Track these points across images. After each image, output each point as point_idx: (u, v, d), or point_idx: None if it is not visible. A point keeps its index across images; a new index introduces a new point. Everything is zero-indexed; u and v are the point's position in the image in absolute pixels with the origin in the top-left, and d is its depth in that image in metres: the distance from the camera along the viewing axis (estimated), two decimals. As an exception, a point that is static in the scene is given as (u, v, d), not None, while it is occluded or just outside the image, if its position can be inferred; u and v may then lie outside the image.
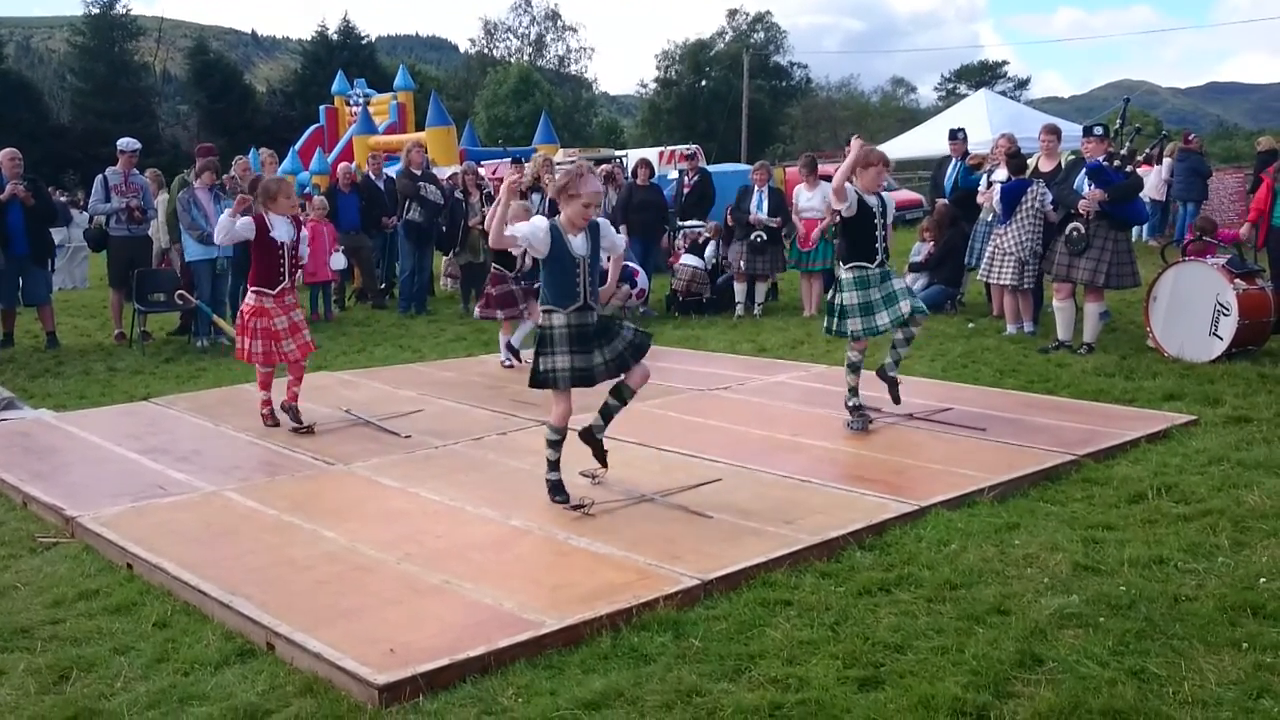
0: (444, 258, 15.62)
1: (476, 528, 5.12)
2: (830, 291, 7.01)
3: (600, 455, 5.60)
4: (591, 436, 5.55)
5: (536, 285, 9.31)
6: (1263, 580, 4.21)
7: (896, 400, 6.95)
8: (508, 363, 9.37)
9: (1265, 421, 6.71)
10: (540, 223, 5.27)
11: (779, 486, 5.63)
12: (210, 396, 8.40)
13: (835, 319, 6.74)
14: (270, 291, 6.97)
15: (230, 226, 6.85)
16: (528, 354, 9.44)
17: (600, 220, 5.44)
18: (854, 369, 6.83)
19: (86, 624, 4.20)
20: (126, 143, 11.85)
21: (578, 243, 5.24)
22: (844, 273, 6.72)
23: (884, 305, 6.62)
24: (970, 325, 10.93)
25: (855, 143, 6.77)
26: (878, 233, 6.63)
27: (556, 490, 5.40)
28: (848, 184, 6.52)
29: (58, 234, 14.30)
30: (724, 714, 3.34)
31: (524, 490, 5.64)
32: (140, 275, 11.21)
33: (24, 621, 4.23)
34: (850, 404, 6.86)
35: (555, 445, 5.40)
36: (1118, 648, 3.68)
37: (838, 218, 6.73)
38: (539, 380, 5.33)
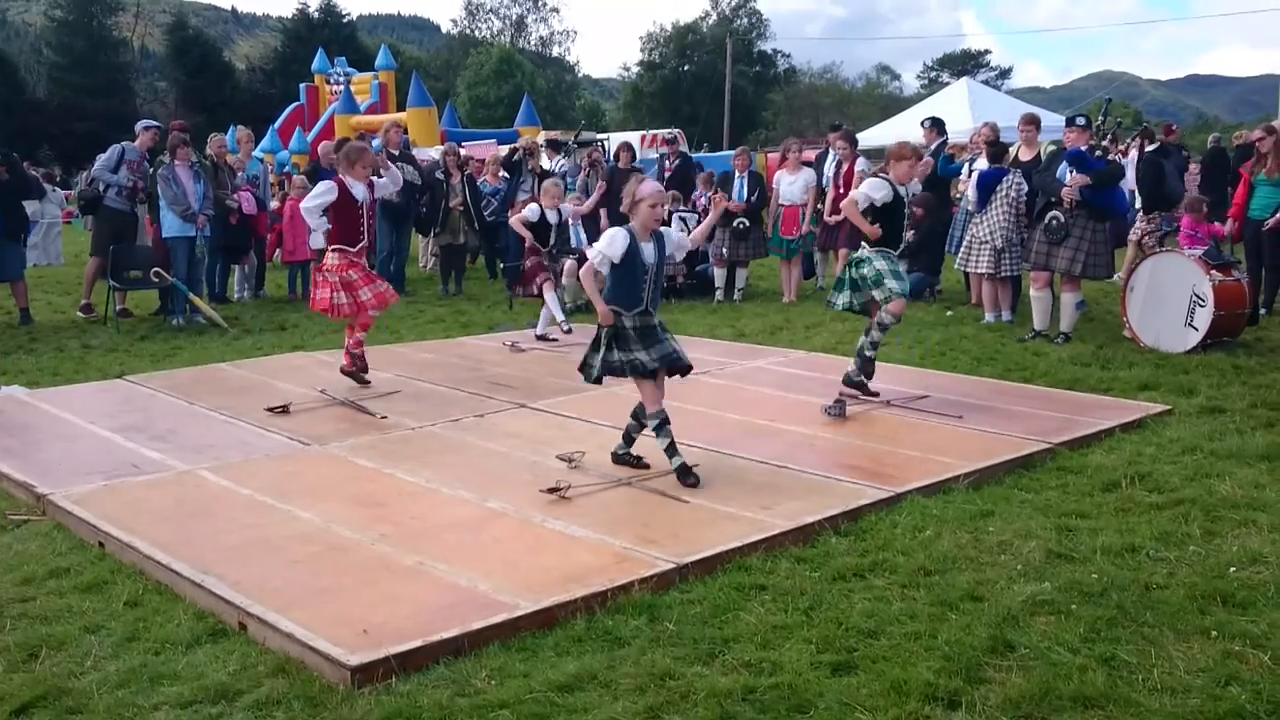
0: (422, 240, 15.55)
1: (452, 509, 5.10)
2: (850, 267, 7.07)
3: (635, 461, 5.69)
4: (617, 457, 5.73)
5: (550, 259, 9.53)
6: (1233, 569, 4.25)
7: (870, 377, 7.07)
8: (548, 333, 9.65)
9: (1238, 412, 6.77)
10: (617, 232, 5.47)
11: (756, 472, 5.63)
12: (185, 375, 8.34)
13: (865, 288, 6.85)
14: (351, 249, 7.37)
15: (322, 193, 7.25)
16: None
17: (663, 230, 5.59)
18: (884, 329, 6.94)
19: (57, 602, 4.17)
20: (149, 122, 12.02)
21: (648, 250, 5.45)
22: (868, 251, 6.89)
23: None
24: (948, 313, 10.97)
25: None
26: (905, 222, 6.94)
27: (685, 473, 5.40)
28: (880, 176, 6.90)
29: (31, 209, 14.10)
30: (697, 697, 3.35)
31: (500, 473, 5.63)
32: (115, 252, 11.06)
33: (-7, 599, 4.20)
34: (869, 354, 6.93)
35: (663, 430, 5.43)
36: (1089, 635, 3.71)
37: (866, 207, 6.84)
38: (614, 370, 5.47)
